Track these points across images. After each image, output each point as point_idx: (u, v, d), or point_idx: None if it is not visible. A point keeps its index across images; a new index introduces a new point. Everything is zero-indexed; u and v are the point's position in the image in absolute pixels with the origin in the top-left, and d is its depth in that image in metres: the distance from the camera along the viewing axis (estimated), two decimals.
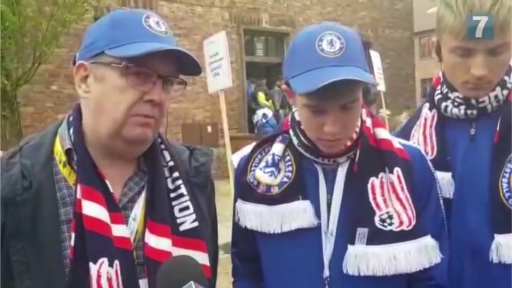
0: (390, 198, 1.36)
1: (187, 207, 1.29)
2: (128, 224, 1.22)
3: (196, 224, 1.28)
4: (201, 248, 1.27)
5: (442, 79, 1.63)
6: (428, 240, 1.35)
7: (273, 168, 1.43)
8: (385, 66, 11.88)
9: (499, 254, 1.43)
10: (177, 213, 1.28)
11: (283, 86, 1.44)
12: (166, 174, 1.31)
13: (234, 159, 1.57)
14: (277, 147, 1.46)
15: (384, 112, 8.35)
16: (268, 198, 1.41)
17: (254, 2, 13.38)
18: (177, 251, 1.23)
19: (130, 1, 11.25)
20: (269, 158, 1.46)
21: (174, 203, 1.29)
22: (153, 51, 1.13)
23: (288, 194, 1.40)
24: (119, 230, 1.18)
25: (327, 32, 1.29)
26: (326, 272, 1.38)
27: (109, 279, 1.13)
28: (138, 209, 1.25)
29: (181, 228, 1.27)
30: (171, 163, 1.33)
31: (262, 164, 1.46)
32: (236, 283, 1.59)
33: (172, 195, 1.29)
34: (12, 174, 1.16)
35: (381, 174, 1.38)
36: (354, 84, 1.27)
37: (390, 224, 1.34)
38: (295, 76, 1.30)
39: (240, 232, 1.51)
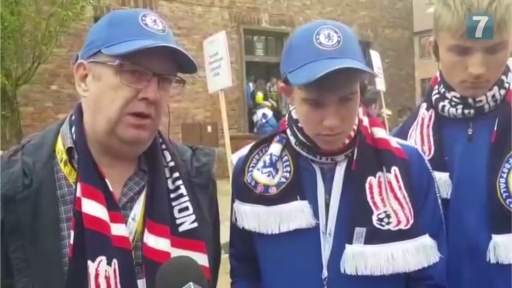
0: (388, 197, 1.36)
1: (186, 208, 1.29)
2: (127, 224, 1.22)
3: (195, 224, 1.28)
4: (200, 249, 1.27)
5: (439, 79, 1.63)
6: (426, 240, 1.35)
7: (270, 169, 1.43)
8: (385, 66, 11.88)
9: (497, 254, 1.43)
10: (176, 214, 1.28)
11: (280, 84, 1.43)
12: (167, 174, 1.31)
13: (234, 158, 1.57)
14: (275, 148, 1.46)
15: (385, 112, 8.34)
16: (266, 199, 1.41)
17: (254, 1, 13.39)
18: (176, 252, 1.23)
19: (131, 1, 11.24)
20: (267, 158, 1.45)
21: (173, 203, 1.29)
22: (144, 48, 1.14)
23: (286, 195, 1.40)
24: (118, 229, 1.18)
25: (323, 26, 1.30)
26: (324, 272, 1.37)
27: (107, 278, 1.13)
28: (138, 209, 1.25)
29: (181, 228, 1.27)
30: (172, 163, 1.33)
31: (260, 164, 1.46)
32: (234, 284, 1.59)
33: (172, 195, 1.30)
34: (13, 171, 1.17)
35: (379, 174, 1.38)
36: (353, 75, 1.28)
37: (388, 223, 1.34)
38: (294, 70, 1.30)
39: (237, 233, 1.50)
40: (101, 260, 1.13)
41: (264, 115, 12.59)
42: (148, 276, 1.19)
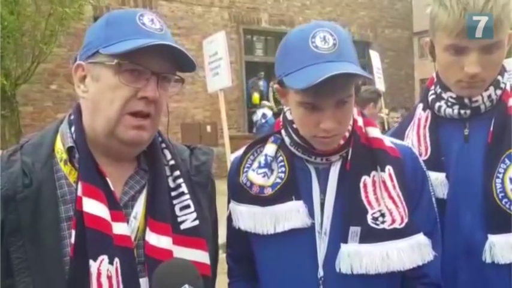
0: (382, 196, 1.37)
1: (188, 206, 1.29)
2: (129, 223, 1.22)
3: (197, 222, 1.29)
4: (201, 246, 1.28)
5: (435, 79, 1.63)
6: (420, 238, 1.36)
7: (265, 169, 1.43)
8: (385, 66, 11.87)
9: (493, 254, 1.44)
10: (177, 212, 1.28)
11: (276, 86, 1.43)
12: (167, 173, 1.31)
13: (232, 158, 1.57)
14: (270, 148, 1.46)
15: (384, 112, 8.33)
16: (262, 199, 1.42)
17: (253, 1, 13.38)
18: (178, 250, 1.23)
19: (130, 0, 11.24)
20: (261, 159, 1.46)
21: (175, 201, 1.29)
22: (142, 46, 1.14)
23: (281, 195, 1.40)
24: (119, 228, 1.18)
25: (318, 29, 1.30)
26: (320, 272, 1.38)
27: (109, 277, 1.13)
28: (139, 208, 1.25)
29: (182, 226, 1.27)
30: (172, 162, 1.33)
31: (255, 165, 1.46)
32: (232, 284, 1.60)
33: (173, 193, 1.30)
34: (13, 171, 1.17)
35: (373, 173, 1.39)
36: (350, 79, 1.29)
37: (383, 222, 1.34)
38: (290, 74, 1.30)
39: (234, 233, 1.50)
40: (103, 259, 1.13)
41: (264, 115, 12.57)
42: (151, 275, 1.18)
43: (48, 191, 1.18)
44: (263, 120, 12.41)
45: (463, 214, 1.50)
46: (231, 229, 1.50)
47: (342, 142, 1.40)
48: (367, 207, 1.36)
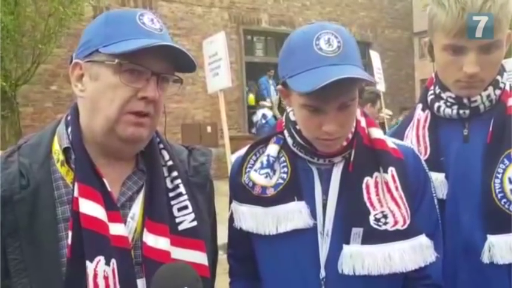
0: (385, 197, 1.36)
1: (186, 207, 1.29)
2: (127, 223, 1.22)
3: (195, 223, 1.28)
4: (199, 247, 1.27)
5: (434, 79, 1.63)
6: (423, 240, 1.36)
7: (268, 170, 1.43)
8: (385, 66, 11.87)
9: (492, 254, 1.44)
10: (175, 213, 1.28)
11: (278, 87, 1.43)
12: (165, 173, 1.31)
13: (233, 159, 1.57)
14: (272, 149, 1.46)
15: (385, 112, 8.33)
16: (264, 200, 1.41)
17: (253, 2, 13.37)
18: (176, 251, 1.23)
19: (130, 1, 11.24)
20: (264, 159, 1.45)
21: (172, 202, 1.29)
22: (144, 47, 1.13)
23: (283, 195, 1.40)
24: (116, 229, 1.18)
25: (323, 31, 1.30)
26: (322, 272, 1.38)
27: (105, 278, 1.12)
28: (137, 208, 1.25)
29: (180, 227, 1.27)
30: (170, 162, 1.33)
31: (257, 165, 1.46)
32: (233, 284, 1.59)
33: (171, 194, 1.29)
34: (10, 172, 1.17)
35: (376, 174, 1.39)
36: (354, 82, 1.28)
37: (385, 224, 1.34)
38: (294, 76, 1.30)
39: (235, 233, 1.50)
40: (99, 260, 1.13)
41: (264, 116, 12.58)
42: (148, 276, 1.18)
43: (46, 192, 1.17)
44: (263, 121, 12.41)
45: (462, 214, 1.50)
46: (233, 229, 1.50)
47: (344, 143, 1.40)
48: (370, 208, 1.35)
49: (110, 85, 1.18)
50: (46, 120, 9.45)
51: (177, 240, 1.24)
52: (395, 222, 1.34)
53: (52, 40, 8.32)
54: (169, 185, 1.30)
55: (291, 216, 1.38)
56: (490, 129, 1.50)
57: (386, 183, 1.37)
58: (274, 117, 12.47)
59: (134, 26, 1.19)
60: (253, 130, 12.81)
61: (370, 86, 5.40)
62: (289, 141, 1.45)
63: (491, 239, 1.44)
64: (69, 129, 1.24)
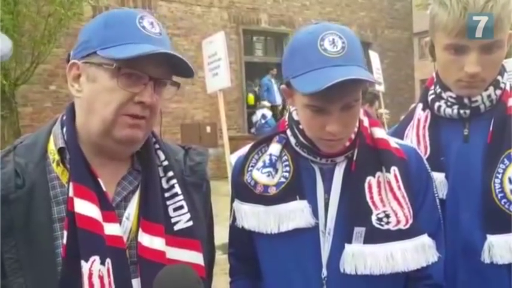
0: (387, 197, 1.36)
1: (181, 207, 1.29)
2: (122, 223, 1.21)
3: (190, 223, 1.28)
4: (195, 247, 1.27)
5: (435, 79, 1.63)
6: (425, 239, 1.35)
7: (270, 169, 1.43)
8: (384, 67, 11.89)
9: (491, 254, 1.43)
10: (171, 213, 1.28)
11: (282, 86, 1.43)
12: (161, 173, 1.31)
13: (233, 159, 1.57)
14: (274, 148, 1.46)
15: (384, 112, 8.35)
16: (266, 199, 1.41)
17: (253, 2, 13.38)
18: (171, 251, 1.23)
19: (129, 1, 11.23)
20: (266, 158, 1.45)
21: (168, 202, 1.28)
22: (144, 54, 1.13)
23: (285, 194, 1.40)
24: (111, 229, 1.17)
25: (327, 31, 1.29)
26: (324, 272, 1.37)
27: (101, 278, 1.12)
28: (132, 208, 1.24)
29: (176, 227, 1.27)
30: (166, 162, 1.32)
31: (260, 164, 1.46)
32: (233, 283, 1.59)
33: (166, 194, 1.29)
34: (6, 172, 1.16)
35: (378, 174, 1.38)
36: (358, 83, 1.28)
37: (387, 223, 1.33)
38: (298, 76, 1.29)
39: (237, 232, 1.50)
40: (94, 260, 1.12)
41: (264, 116, 12.59)
42: (143, 276, 1.18)
43: (41, 192, 1.17)
44: (263, 121, 12.43)
45: (462, 214, 1.50)
46: (234, 228, 1.49)
47: (347, 143, 1.40)
48: (372, 207, 1.35)
49: (107, 88, 1.17)
50: (45, 120, 9.43)
51: (172, 240, 1.24)
52: (398, 222, 1.33)
53: (51, 40, 8.32)
54: (165, 185, 1.30)
55: (293, 215, 1.38)
56: (491, 129, 1.50)
57: (389, 183, 1.36)
58: (274, 117, 12.49)
59: (134, 30, 1.18)
60: (253, 130, 12.82)
61: (371, 86, 5.42)
62: (292, 140, 1.45)
63: (491, 239, 1.44)
64: (65, 129, 1.24)
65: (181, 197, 1.29)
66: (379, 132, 1.44)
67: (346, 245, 1.33)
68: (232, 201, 1.51)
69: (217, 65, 5.90)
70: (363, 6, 15.87)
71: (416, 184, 1.41)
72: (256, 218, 1.42)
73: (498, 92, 1.53)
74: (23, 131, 8.23)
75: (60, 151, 1.21)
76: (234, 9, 13.04)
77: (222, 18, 12.79)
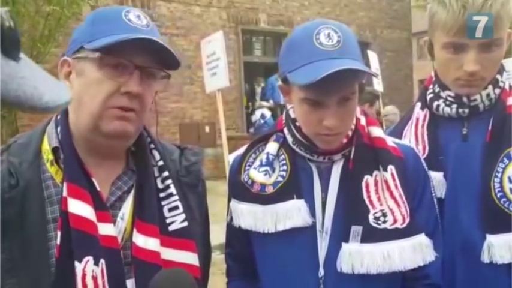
0: (384, 196, 1.36)
1: (176, 207, 1.28)
2: (116, 223, 1.21)
3: (185, 224, 1.27)
4: (190, 248, 1.26)
5: (434, 78, 1.63)
6: (422, 239, 1.35)
7: (267, 168, 1.42)
8: (383, 67, 11.89)
9: (491, 254, 1.43)
10: (166, 213, 1.27)
11: (279, 84, 1.43)
12: (156, 173, 1.30)
13: (231, 159, 1.56)
14: (272, 146, 1.46)
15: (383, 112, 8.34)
16: (263, 198, 1.40)
17: (252, 2, 13.37)
18: (166, 251, 1.22)
19: (128, 1, 11.22)
20: (263, 157, 1.45)
21: (163, 202, 1.28)
22: (123, 40, 1.13)
23: (282, 193, 1.39)
24: (105, 229, 1.17)
25: (323, 26, 1.30)
26: (321, 271, 1.37)
27: (94, 278, 1.12)
28: (127, 208, 1.24)
29: (171, 228, 1.26)
30: (161, 162, 1.32)
31: (257, 163, 1.45)
32: (230, 284, 1.58)
33: (161, 194, 1.28)
34: (0, 171, 1.15)
35: (375, 172, 1.38)
36: (354, 75, 1.28)
37: (384, 222, 1.33)
38: (294, 70, 1.29)
39: (234, 232, 1.50)
40: (88, 260, 1.12)
41: (263, 115, 12.59)
42: (138, 276, 1.18)
43: (35, 192, 1.16)
44: (262, 121, 12.43)
45: (461, 213, 1.49)
46: (231, 228, 1.49)
47: (344, 141, 1.40)
48: (369, 206, 1.35)
49: (93, 80, 1.17)
50: (43, 120, 9.35)
51: (167, 240, 1.24)
52: (395, 221, 1.33)
53: (50, 40, 8.31)
54: (160, 185, 1.29)
55: (290, 214, 1.37)
56: (490, 128, 1.50)
57: (386, 182, 1.36)
58: (275, 117, 12.48)
59: (119, 23, 1.19)
60: (252, 130, 12.81)
61: (368, 86, 5.41)
62: (289, 138, 1.45)
63: (490, 238, 1.43)
64: (59, 129, 1.23)
65: (176, 197, 1.29)
66: (376, 131, 1.44)
67: (343, 244, 1.33)
68: (229, 200, 1.50)
69: (215, 65, 5.89)
70: (361, 6, 15.86)
71: (414, 183, 1.41)
72: (253, 217, 1.41)
73: (497, 91, 1.53)
74: (21, 130, 8.21)
75: (54, 151, 1.21)
76: (233, 9, 13.03)
77: (221, 18, 12.78)
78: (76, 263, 1.11)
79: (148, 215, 1.23)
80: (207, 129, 11.89)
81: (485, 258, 1.44)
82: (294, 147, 1.44)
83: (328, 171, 1.41)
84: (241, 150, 1.53)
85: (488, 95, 1.52)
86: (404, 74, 17.14)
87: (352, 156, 1.39)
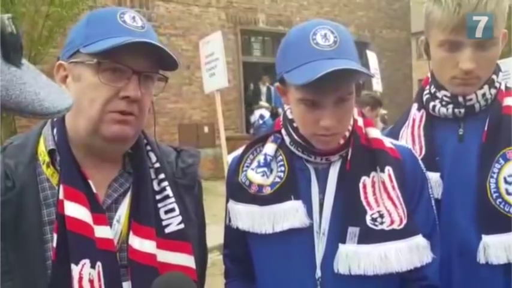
0: (381, 197, 1.35)
1: (173, 209, 1.28)
2: (112, 226, 1.20)
3: (182, 226, 1.27)
4: (186, 250, 1.26)
5: (430, 79, 1.63)
6: (419, 240, 1.34)
7: (265, 169, 1.42)
8: (382, 67, 11.89)
9: (487, 254, 1.43)
10: (162, 215, 1.27)
11: (276, 84, 1.43)
12: (152, 175, 1.30)
13: (230, 159, 1.56)
14: (269, 147, 1.45)
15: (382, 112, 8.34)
16: (260, 199, 1.40)
17: (251, 2, 13.38)
18: (162, 253, 1.22)
19: (127, 1, 11.21)
20: (261, 158, 1.44)
21: (159, 205, 1.28)
22: (120, 44, 1.12)
23: (280, 194, 1.39)
24: (102, 232, 1.16)
25: (319, 26, 1.30)
26: (318, 272, 1.37)
27: (91, 281, 1.11)
28: (123, 211, 1.23)
29: (167, 230, 1.26)
30: (157, 164, 1.31)
31: (254, 164, 1.45)
32: (228, 284, 1.58)
33: (158, 197, 1.28)
34: None
35: (373, 174, 1.38)
36: (350, 76, 1.28)
37: (381, 223, 1.33)
38: (291, 70, 1.29)
39: (231, 233, 1.49)
40: (85, 263, 1.11)
41: (262, 116, 12.58)
42: (134, 279, 1.18)
43: (31, 194, 1.16)
44: (261, 121, 12.42)
45: (457, 214, 1.49)
46: (229, 229, 1.49)
47: (341, 142, 1.39)
48: (366, 207, 1.34)
49: (91, 85, 1.17)
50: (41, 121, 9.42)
51: (163, 243, 1.23)
52: (392, 222, 1.33)
53: (49, 40, 8.31)
54: (156, 188, 1.29)
55: (288, 215, 1.37)
56: (486, 128, 1.50)
57: (383, 183, 1.36)
58: (272, 117, 12.48)
59: (114, 25, 1.18)
60: (251, 130, 12.81)
61: (368, 89, 5.39)
62: (287, 139, 1.44)
63: (486, 239, 1.43)
64: (55, 131, 1.23)
65: (172, 199, 1.29)
66: (374, 132, 1.44)
67: (340, 245, 1.33)
68: (227, 201, 1.50)
69: (214, 65, 5.88)
70: (360, 6, 15.88)
71: (411, 184, 1.40)
72: (250, 218, 1.41)
73: (493, 91, 1.53)
74: (19, 131, 8.20)
75: (50, 153, 1.20)
76: (231, 9, 13.03)
77: (219, 18, 12.78)
78: (73, 266, 1.11)
79: (144, 217, 1.23)
80: (206, 129, 11.89)
81: (481, 258, 1.44)
82: (292, 148, 1.43)
83: (326, 172, 1.41)
84: (239, 151, 1.53)
85: (484, 95, 1.51)
86: (404, 74, 17.16)
87: (349, 157, 1.39)
